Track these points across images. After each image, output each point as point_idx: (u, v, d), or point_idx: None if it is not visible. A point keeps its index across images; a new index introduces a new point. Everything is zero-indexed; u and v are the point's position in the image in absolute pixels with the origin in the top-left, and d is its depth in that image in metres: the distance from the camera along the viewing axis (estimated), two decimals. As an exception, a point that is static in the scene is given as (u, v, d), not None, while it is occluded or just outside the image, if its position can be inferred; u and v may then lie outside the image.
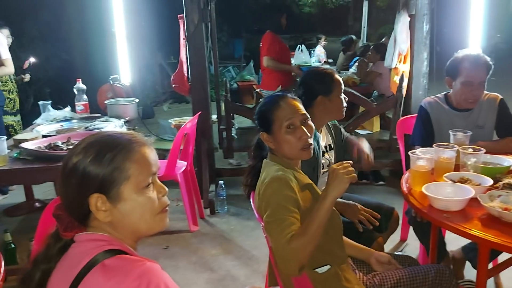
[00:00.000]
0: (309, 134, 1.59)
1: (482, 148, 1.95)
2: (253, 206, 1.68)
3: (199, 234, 3.24)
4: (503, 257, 1.80)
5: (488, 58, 2.28)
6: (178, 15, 3.64)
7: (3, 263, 1.46)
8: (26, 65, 4.47)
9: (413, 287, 1.60)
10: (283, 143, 1.58)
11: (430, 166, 1.86)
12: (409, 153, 1.92)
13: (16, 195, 3.89)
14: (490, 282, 2.53)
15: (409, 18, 3.56)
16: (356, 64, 5.69)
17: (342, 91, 2.15)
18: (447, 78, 2.36)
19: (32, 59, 4.53)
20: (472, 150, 1.95)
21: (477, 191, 1.67)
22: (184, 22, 3.57)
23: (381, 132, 4.06)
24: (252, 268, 2.77)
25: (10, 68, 3.88)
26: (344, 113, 2.18)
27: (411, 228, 2.53)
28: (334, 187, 1.39)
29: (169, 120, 4.42)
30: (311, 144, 1.59)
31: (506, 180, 1.78)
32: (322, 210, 1.38)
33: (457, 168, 1.97)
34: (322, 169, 2.12)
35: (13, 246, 2.70)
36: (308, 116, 1.63)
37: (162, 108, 7.73)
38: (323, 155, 2.13)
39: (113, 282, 0.87)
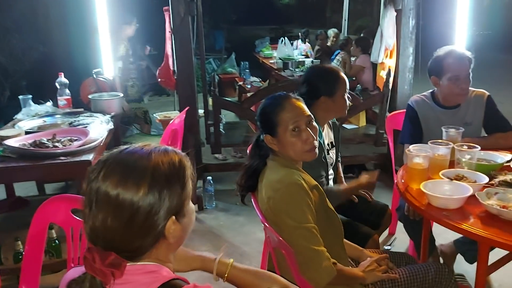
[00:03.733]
0: (314, 137, 1.57)
1: (477, 145, 1.98)
2: (255, 206, 1.66)
3: (188, 230, 3.21)
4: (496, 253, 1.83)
5: (468, 52, 2.32)
6: (164, 7, 3.56)
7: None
8: (147, 51, 4.80)
9: (413, 286, 1.61)
10: (288, 146, 1.56)
11: (427, 164, 1.87)
12: (406, 150, 1.93)
13: (-5, 192, 3.76)
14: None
15: (395, 13, 3.58)
16: (338, 58, 5.71)
17: (347, 90, 2.11)
18: (433, 77, 2.38)
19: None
20: (466, 147, 1.98)
21: (473, 189, 1.70)
22: (169, 14, 3.50)
23: (367, 127, 4.10)
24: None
25: None
26: (347, 112, 2.16)
27: (399, 222, 2.57)
28: (369, 277, 1.58)
29: (154, 115, 4.34)
30: (316, 146, 1.58)
31: (501, 177, 1.81)
32: (352, 279, 1.55)
33: (451, 165, 2.00)
34: (329, 167, 2.11)
35: (-3, 246, 2.62)
36: (313, 117, 1.62)
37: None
38: (328, 153, 2.12)
39: None
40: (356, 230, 2.05)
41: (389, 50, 3.62)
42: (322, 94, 2.04)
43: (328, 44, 7.00)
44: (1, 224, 3.31)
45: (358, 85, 5.04)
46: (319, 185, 1.59)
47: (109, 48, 3.91)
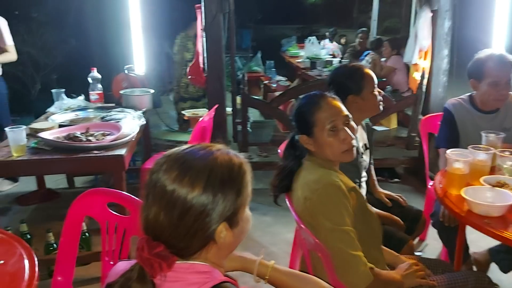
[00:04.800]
0: (352, 136, 1.54)
1: (519, 151, 1.91)
2: (290, 207, 1.64)
3: (214, 229, 3.21)
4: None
5: (510, 57, 2.24)
6: (196, 5, 3.56)
7: (36, 263, 1.40)
8: None
9: None
10: (325, 146, 1.53)
11: (467, 169, 1.82)
12: (446, 155, 1.88)
13: (27, 183, 3.84)
14: None
15: (431, 14, 3.50)
16: (367, 58, 5.62)
17: (375, 85, 2.04)
18: (472, 80, 2.31)
19: None
20: (508, 153, 1.91)
21: (518, 197, 1.64)
22: (201, 12, 3.50)
23: (398, 129, 4.02)
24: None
25: (13, 55, 3.79)
26: (381, 107, 2.08)
27: (430, 228, 2.51)
28: (407, 281, 1.52)
29: (182, 112, 4.36)
30: (354, 146, 1.55)
31: (545, 186, 1.74)
32: (389, 284, 1.50)
33: (491, 171, 1.93)
34: (362, 170, 2.07)
35: (29, 237, 2.66)
36: (351, 116, 1.58)
37: (168, 97, 7.66)
38: (361, 156, 2.08)
39: None
40: (391, 235, 2.01)
41: (423, 52, 3.54)
42: (349, 93, 1.96)
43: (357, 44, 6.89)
44: (31, 215, 3.38)
45: (388, 86, 4.96)
46: (356, 187, 1.56)
47: (141, 44, 3.94)
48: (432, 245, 2.88)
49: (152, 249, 0.85)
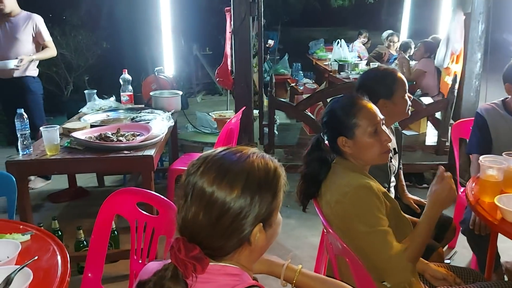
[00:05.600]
0: (391, 138, 1.55)
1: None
2: (318, 212, 1.63)
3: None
4: None
5: None
6: (226, 8, 3.60)
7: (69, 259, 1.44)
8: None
9: None
10: (366, 148, 1.53)
11: (501, 177, 1.77)
12: (479, 161, 1.83)
13: (58, 181, 3.95)
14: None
15: (464, 17, 3.43)
16: (396, 62, 5.53)
17: (406, 90, 2.02)
18: (507, 84, 2.25)
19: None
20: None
21: (554, 206, 1.59)
22: (231, 15, 3.53)
23: (428, 134, 3.95)
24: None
25: (54, 50, 3.89)
26: (410, 112, 2.06)
27: (460, 235, 2.45)
28: (442, 202, 1.48)
29: (210, 113, 4.40)
30: (390, 148, 1.55)
31: None
32: (431, 220, 1.47)
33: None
34: (391, 175, 2.05)
35: (60, 233, 2.74)
36: (384, 119, 1.58)
37: (195, 99, 7.74)
38: (390, 161, 2.06)
39: None
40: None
41: (455, 55, 3.47)
42: (380, 97, 1.94)
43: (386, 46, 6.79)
44: (62, 212, 3.48)
45: (418, 90, 4.87)
46: (387, 192, 1.54)
47: (171, 46, 4.00)
48: (461, 253, 2.81)
49: (189, 251, 0.87)
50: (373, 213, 1.42)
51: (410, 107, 2.05)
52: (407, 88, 2.02)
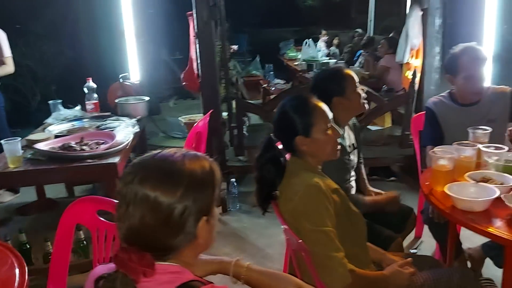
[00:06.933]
0: (340, 133, 1.65)
1: (504, 146, 1.93)
2: (275, 210, 1.66)
3: (211, 232, 3.24)
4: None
5: (483, 49, 2.28)
6: (187, 12, 3.61)
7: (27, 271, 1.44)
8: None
9: None
10: (322, 145, 1.60)
11: (452, 166, 1.83)
12: (430, 152, 1.90)
13: (27, 194, 3.88)
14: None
15: (421, 13, 3.53)
16: (360, 59, 5.64)
17: (357, 84, 2.09)
18: (448, 76, 2.35)
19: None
20: (493, 148, 1.93)
21: (500, 191, 1.65)
22: (193, 19, 3.54)
23: (392, 128, 4.04)
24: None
25: (11, 67, 3.83)
26: (366, 105, 2.13)
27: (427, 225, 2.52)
28: (393, 285, 1.52)
29: (179, 118, 4.41)
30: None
31: (529, 179, 1.76)
32: (375, 285, 1.53)
33: (477, 166, 1.95)
34: (351, 170, 2.10)
35: (28, 246, 2.70)
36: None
37: (168, 104, 7.71)
38: (349, 156, 2.11)
39: None
40: (379, 232, 2.03)
41: (414, 50, 3.56)
42: (334, 96, 2.01)
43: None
44: (31, 225, 3.42)
45: (384, 86, 4.97)
46: (339, 189, 1.58)
47: (135, 52, 3.99)
48: (427, 242, 2.89)
49: (141, 259, 0.91)
50: (320, 212, 1.46)
51: (365, 100, 2.11)
52: (357, 81, 2.09)
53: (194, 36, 3.63)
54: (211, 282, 0.98)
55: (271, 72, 7.53)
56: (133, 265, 0.90)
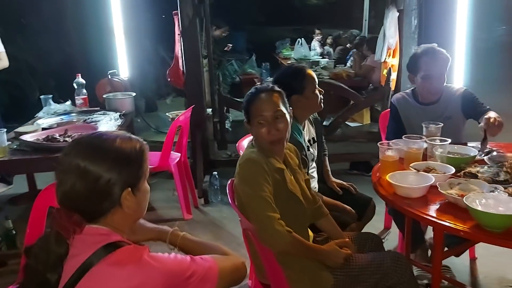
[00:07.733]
0: (280, 131, 1.69)
1: (448, 139, 2.05)
2: (228, 191, 1.81)
3: (192, 222, 3.39)
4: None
5: (444, 51, 2.38)
6: (173, 11, 3.75)
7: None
8: None
9: (367, 271, 1.69)
10: (255, 135, 1.72)
11: (398, 156, 1.97)
12: (378, 144, 2.04)
13: (20, 185, 4.05)
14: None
15: (397, 13, 3.64)
16: (351, 58, 5.75)
17: (316, 86, 2.20)
18: (409, 74, 2.46)
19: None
20: (439, 141, 2.06)
21: (438, 179, 1.78)
22: (178, 17, 3.69)
23: (371, 124, 4.16)
24: (241, 253, 2.84)
25: (4, 61, 3.85)
26: (322, 105, 2.25)
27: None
28: (330, 260, 1.67)
29: (167, 113, 4.55)
30: (281, 138, 1.70)
31: (468, 169, 1.89)
32: (313, 254, 1.67)
33: (427, 158, 2.08)
34: (310, 162, 2.22)
35: (14, 232, 2.87)
36: (284, 112, 1.71)
37: (165, 101, 7.85)
38: (308, 149, 2.23)
39: (128, 268, 1.03)
40: (335, 218, 2.14)
41: (391, 50, 3.68)
42: (293, 93, 2.09)
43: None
44: (21, 214, 3.59)
45: (370, 85, 5.09)
46: (285, 170, 1.70)
47: (125, 49, 4.14)
48: (395, 232, 3.01)
49: (69, 218, 1.06)
50: (257, 180, 1.60)
51: (322, 100, 2.23)
52: (316, 83, 2.22)
53: (178, 34, 3.77)
54: (143, 245, 1.12)
55: (265, 71, 7.64)
56: (63, 223, 1.05)
